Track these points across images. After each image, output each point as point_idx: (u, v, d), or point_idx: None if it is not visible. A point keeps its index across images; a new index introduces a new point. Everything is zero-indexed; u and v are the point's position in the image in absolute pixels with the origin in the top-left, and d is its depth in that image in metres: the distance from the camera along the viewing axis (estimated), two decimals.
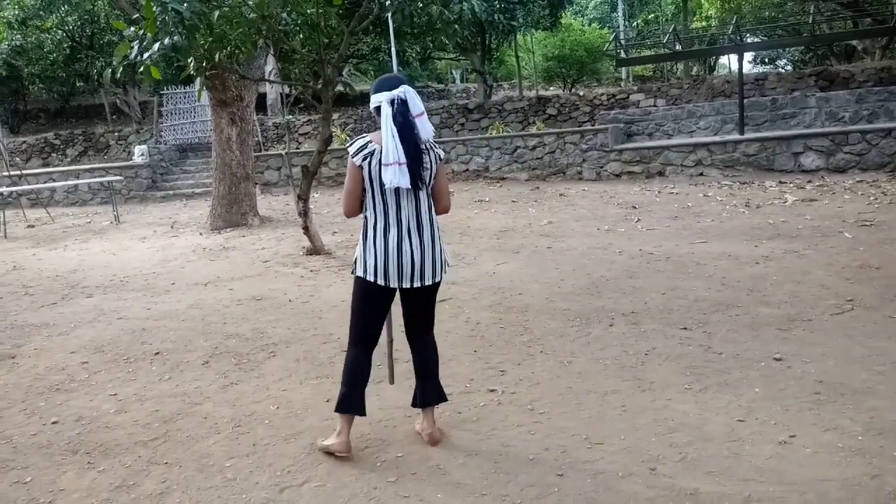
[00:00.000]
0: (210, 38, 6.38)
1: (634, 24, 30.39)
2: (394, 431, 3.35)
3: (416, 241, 3.02)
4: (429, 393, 3.22)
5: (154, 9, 5.36)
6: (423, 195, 3.04)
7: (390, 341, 3.48)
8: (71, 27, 19.89)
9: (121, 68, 5.89)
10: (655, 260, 6.57)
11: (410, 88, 2.98)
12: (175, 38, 5.50)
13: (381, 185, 2.93)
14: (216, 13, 6.00)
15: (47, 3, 19.75)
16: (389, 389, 3.85)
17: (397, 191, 2.97)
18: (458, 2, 6.81)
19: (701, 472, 2.81)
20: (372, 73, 24.17)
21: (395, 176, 2.88)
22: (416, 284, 3.05)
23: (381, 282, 3.02)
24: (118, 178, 14.57)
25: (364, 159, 2.95)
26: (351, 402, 3.10)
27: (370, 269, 3.03)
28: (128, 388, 4.14)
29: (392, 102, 2.94)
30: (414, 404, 3.28)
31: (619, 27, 25.55)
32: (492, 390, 3.76)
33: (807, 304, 4.91)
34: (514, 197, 11.84)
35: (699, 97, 17.31)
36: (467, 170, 14.88)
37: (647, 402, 3.49)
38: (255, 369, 4.32)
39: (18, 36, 19.61)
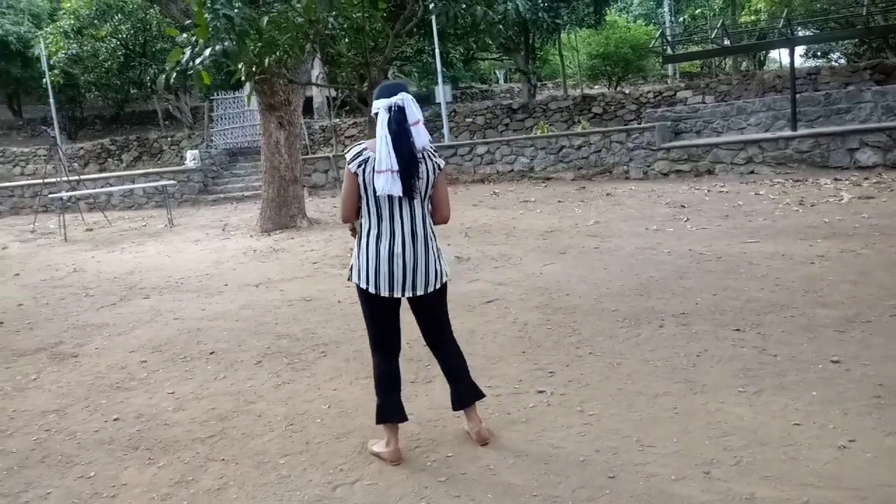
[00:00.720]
0: (259, 44, 6.52)
1: (681, 19, 29.88)
2: (444, 431, 3.38)
3: (410, 250, 3.00)
4: (464, 394, 3.23)
5: (206, 15, 5.50)
6: (417, 204, 3.02)
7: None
8: (124, 35, 20.47)
9: (173, 74, 6.04)
10: (706, 260, 6.47)
11: (409, 96, 2.98)
12: (226, 43, 5.63)
13: (375, 192, 2.93)
14: (265, 19, 6.13)
15: (101, 12, 20.37)
16: (438, 389, 3.88)
17: (391, 198, 2.96)
18: (502, 2, 6.79)
19: (757, 476, 2.77)
20: (416, 74, 24.29)
21: (388, 183, 2.88)
22: (408, 294, 3.04)
23: (371, 290, 3.02)
24: (171, 182, 14.96)
25: (359, 166, 2.96)
26: (389, 410, 3.13)
27: (362, 277, 3.03)
28: (185, 386, 4.26)
29: (389, 109, 2.93)
30: (454, 408, 3.28)
31: (665, 23, 25.15)
32: (540, 391, 3.76)
33: (865, 305, 4.77)
34: (560, 197, 11.77)
35: (749, 93, 16.95)
36: (512, 170, 14.85)
37: (700, 405, 3.44)
38: (307, 369, 4.40)
39: (74, 45, 20.27)
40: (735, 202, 9.69)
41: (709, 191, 11.06)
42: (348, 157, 3.01)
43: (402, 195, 2.92)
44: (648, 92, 18.25)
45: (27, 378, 4.63)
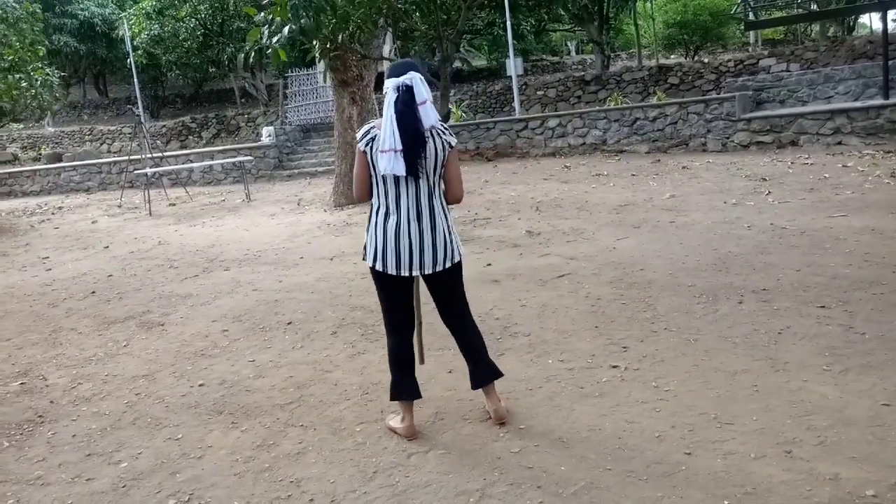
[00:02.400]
0: (334, 20, 6.58)
1: None
2: (516, 404, 3.39)
3: (416, 229, 2.98)
4: (481, 373, 3.20)
5: None
6: (423, 183, 2.98)
7: (419, 323, 3.42)
8: (203, 15, 21.02)
9: (252, 53, 6.18)
10: (789, 235, 6.22)
11: (418, 75, 2.94)
12: (302, 21, 5.71)
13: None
14: None
15: None
16: (510, 363, 3.90)
17: (397, 178, 2.95)
18: None
19: (842, 456, 2.67)
20: (486, 48, 24.05)
21: (390, 163, 2.87)
22: (416, 272, 3.02)
23: (379, 267, 3.03)
24: (248, 158, 15.38)
25: (367, 145, 2.95)
26: (401, 387, 3.16)
27: (370, 255, 3.05)
28: (264, 355, 4.41)
29: (397, 89, 2.91)
30: (472, 386, 3.25)
31: None
32: (614, 366, 3.72)
33: None
34: (634, 170, 11.51)
35: (837, 60, 16.08)
36: (584, 143, 14.60)
37: (782, 383, 3.34)
38: (380, 340, 4.47)
39: (156, 26, 20.96)
40: (821, 175, 9.26)
41: (792, 163, 10.60)
42: (358, 136, 3.02)
43: (405, 175, 2.91)
44: (728, 60, 17.56)
45: (118, 345, 4.89)
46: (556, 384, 3.57)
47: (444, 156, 3.00)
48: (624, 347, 3.98)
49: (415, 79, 2.93)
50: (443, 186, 3.09)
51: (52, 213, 13.30)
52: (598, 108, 15.50)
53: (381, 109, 3.14)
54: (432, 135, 2.96)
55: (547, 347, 4.09)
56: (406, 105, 2.90)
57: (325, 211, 10.54)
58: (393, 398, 3.20)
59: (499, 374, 3.25)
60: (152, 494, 2.88)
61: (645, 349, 3.92)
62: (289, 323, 5.02)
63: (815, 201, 7.59)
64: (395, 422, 3.23)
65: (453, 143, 3.04)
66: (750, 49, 23.22)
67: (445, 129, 3.04)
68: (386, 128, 2.88)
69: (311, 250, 7.57)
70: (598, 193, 9.58)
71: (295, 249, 7.70)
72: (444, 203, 3.10)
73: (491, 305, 5.00)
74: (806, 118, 12.20)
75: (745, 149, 12.69)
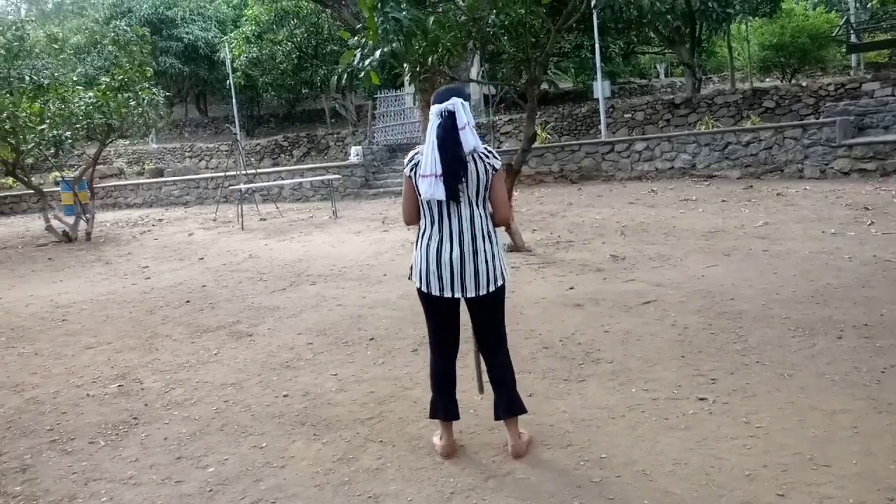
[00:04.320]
0: (424, 43, 6.71)
1: (868, 5, 27.21)
2: (597, 432, 3.32)
3: (457, 252, 3.00)
4: (504, 406, 3.16)
5: (376, 19, 5.75)
6: (465, 207, 3.00)
7: (476, 351, 3.40)
8: (299, 39, 21.86)
9: (345, 75, 6.37)
10: (893, 268, 5.87)
11: (460, 100, 2.98)
12: (394, 44, 5.84)
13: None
14: (431, 19, 6.29)
15: (279, 17, 21.90)
16: (592, 388, 3.82)
17: (439, 201, 2.98)
18: None
19: None
20: (572, 70, 23.92)
21: (430, 188, 2.92)
22: (458, 294, 3.04)
23: (424, 289, 3.06)
24: (336, 176, 15.79)
25: (411, 170, 3.02)
26: (440, 407, 3.18)
27: (416, 276, 3.09)
28: (347, 369, 4.49)
29: (440, 114, 2.97)
30: (496, 417, 3.21)
31: (849, 10, 23.04)
32: (702, 398, 3.59)
33: None
34: (725, 196, 11.15)
35: None
36: (672, 167, 14.26)
37: (885, 426, 3.14)
38: (460, 360, 4.45)
39: (255, 49, 21.93)
40: None
41: None
42: (405, 161, 3.08)
43: (445, 199, 2.94)
44: (828, 84, 16.81)
45: (209, 353, 5.08)
46: (639, 414, 3.48)
47: (487, 179, 3.03)
48: (712, 379, 3.83)
49: (457, 104, 2.98)
50: (489, 209, 3.11)
51: (153, 225, 14.02)
52: (687, 131, 15.14)
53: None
54: (474, 158, 3.00)
55: (630, 375, 4.00)
56: (447, 130, 2.95)
57: (409, 230, 10.67)
58: (432, 416, 3.24)
59: (522, 411, 3.19)
60: (236, 501, 2.97)
61: (735, 382, 3.77)
62: (371, 339, 5.09)
63: None
64: (436, 439, 3.27)
65: (497, 166, 3.07)
66: (851, 73, 22.18)
67: (490, 152, 3.07)
68: (427, 153, 2.95)
69: (394, 268, 7.68)
70: (686, 219, 9.32)
71: (379, 266, 7.82)
72: (491, 226, 3.10)
73: (573, 330, 4.92)
74: None
75: (845, 176, 12.09)
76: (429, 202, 3.03)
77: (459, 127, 2.96)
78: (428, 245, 3.06)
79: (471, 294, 3.05)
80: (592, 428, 3.36)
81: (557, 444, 3.21)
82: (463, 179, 2.97)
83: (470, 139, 2.98)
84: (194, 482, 3.15)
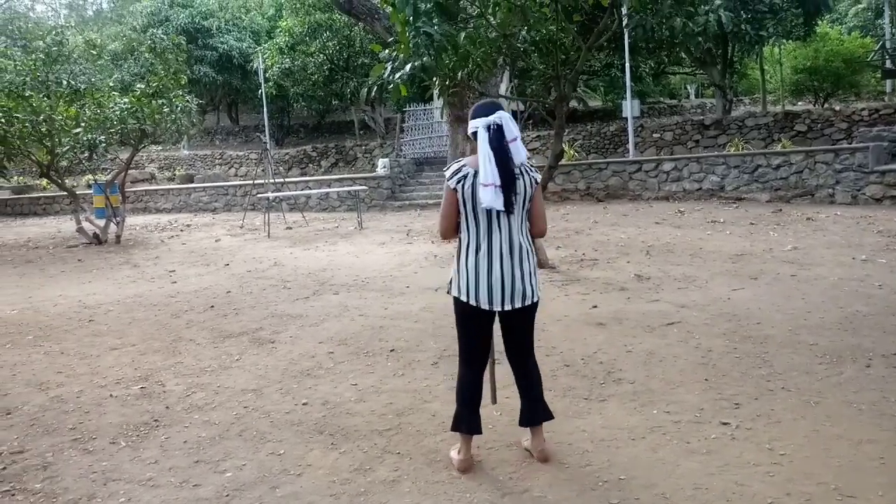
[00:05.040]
0: (454, 58, 6.75)
1: None
2: (617, 453, 3.28)
3: (508, 264, 3.04)
4: (535, 413, 3.22)
5: (408, 33, 5.80)
6: (514, 218, 3.05)
7: (492, 362, 3.46)
8: (331, 51, 22.12)
9: (374, 87, 6.43)
10: None
11: (506, 114, 3.04)
12: (424, 59, 5.89)
13: (475, 207, 3.00)
14: (462, 34, 6.33)
15: (312, 29, 22.19)
16: (612, 408, 3.78)
17: (490, 213, 3.01)
18: (703, 13, 6.50)
19: None
20: (601, 89, 23.90)
21: (491, 197, 2.93)
22: (507, 307, 3.07)
23: (472, 302, 3.06)
24: (363, 187, 15.89)
25: (458, 182, 3.03)
26: (464, 420, 3.17)
27: (462, 290, 3.08)
28: (366, 379, 4.49)
29: (488, 128, 2.99)
30: (522, 423, 3.27)
31: (885, 35, 22.75)
32: (724, 423, 3.53)
33: None
34: (753, 219, 11.02)
35: None
36: (700, 188, 14.14)
37: None
38: None
39: (287, 60, 22.23)
40: None
41: None
42: (448, 173, 3.09)
43: (503, 209, 2.98)
44: (862, 109, 16.60)
45: (231, 358, 5.12)
46: (660, 436, 3.43)
47: (531, 192, 3.08)
48: (736, 404, 3.77)
49: (503, 117, 3.03)
50: (527, 222, 3.15)
51: (181, 230, 14.21)
52: (716, 153, 15.01)
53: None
54: (521, 171, 3.05)
55: (652, 397, 3.95)
56: (500, 142, 3.00)
57: (433, 243, 10.69)
58: (454, 429, 3.23)
59: (550, 416, 3.26)
60: None
61: (759, 408, 3.70)
62: (392, 350, 5.10)
63: None
64: (454, 453, 3.26)
65: (538, 180, 3.14)
66: (886, 98, 21.89)
67: (533, 166, 3.14)
68: (485, 164, 2.96)
69: (417, 280, 7.68)
70: (713, 241, 9.22)
71: (402, 278, 7.84)
72: (530, 239, 3.17)
73: (595, 349, 4.88)
74: None
75: (877, 202, 11.90)
76: (476, 214, 3.04)
77: (509, 140, 3.02)
78: (476, 258, 3.06)
79: (517, 306, 3.09)
80: (612, 448, 3.32)
81: (576, 463, 3.18)
82: (515, 191, 3.02)
83: (521, 152, 3.05)
84: (211, 486, 3.16)
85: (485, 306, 3.06)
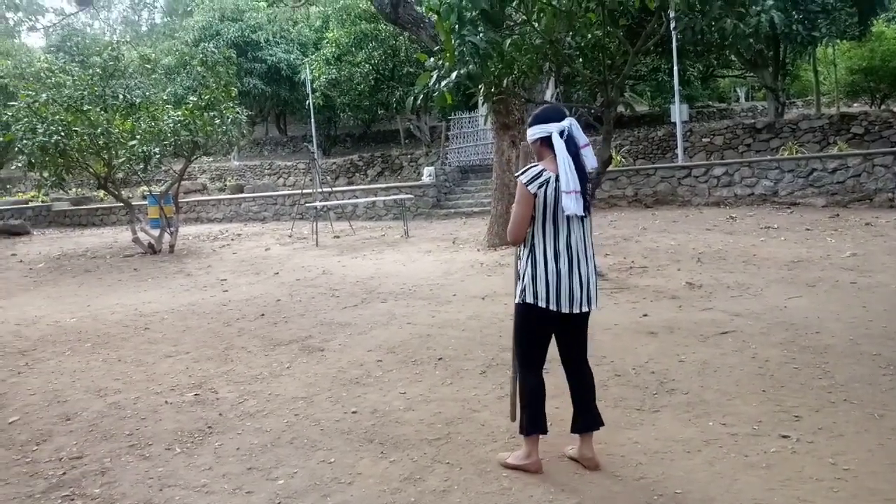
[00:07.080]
0: (500, 65, 6.73)
1: None
2: (671, 465, 3.20)
3: (584, 266, 3.10)
4: (589, 420, 3.21)
5: (453, 42, 5.81)
6: (587, 222, 3.11)
7: (513, 378, 3.45)
8: (376, 61, 22.32)
9: (420, 96, 6.45)
10: None
11: (574, 120, 3.08)
12: (470, 67, 5.88)
13: (555, 212, 3.02)
14: (507, 41, 6.31)
15: (358, 40, 22.45)
16: (665, 419, 3.70)
17: (568, 218, 3.04)
18: (754, 14, 6.35)
19: None
20: (648, 93, 23.57)
21: (573, 203, 2.95)
22: (585, 309, 3.11)
23: (552, 307, 3.06)
24: (409, 196, 15.97)
25: (539, 187, 3.03)
26: (538, 422, 3.18)
27: (541, 296, 3.07)
28: (415, 388, 4.49)
29: (562, 133, 3.03)
30: (573, 430, 3.25)
31: None
32: (784, 436, 3.43)
33: None
34: (809, 224, 10.71)
35: None
36: (752, 194, 13.81)
37: None
38: (497, 385, 4.41)
39: (334, 70, 22.52)
40: None
41: None
42: (525, 178, 3.07)
43: (583, 214, 3.05)
44: None
45: (282, 366, 5.18)
46: (717, 449, 3.34)
47: (593, 197, 3.12)
48: (796, 416, 3.65)
49: (574, 123, 3.08)
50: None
51: (232, 240, 14.48)
52: (769, 157, 14.65)
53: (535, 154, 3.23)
54: (589, 178, 3.14)
55: (707, 408, 3.85)
56: (576, 148, 3.06)
57: (479, 251, 10.67)
58: (528, 433, 3.20)
59: (601, 424, 3.26)
60: None
61: (820, 420, 3.58)
62: (440, 358, 5.09)
63: None
64: (517, 459, 3.24)
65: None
66: None
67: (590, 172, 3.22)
68: (566, 170, 2.99)
69: (463, 288, 7.67)
70: (767, 247, 8.99)
71: (448, 286, 7.83)
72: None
73: (646, 358, 4.79)
74: None
75: None
76: (554, 219, 3.06)
77: (581, 146, 3.09)
78: (556, 261, 3.08)
79: (594, 306, 3.16)
80: (666, 461, 3.25)
81: (630, 475, 3.12)
82: (589, 195, 3.12)
83: (591, 157, 3.13)
84: (264, 494, 3.19)
85: (565, 310, 3.08)
